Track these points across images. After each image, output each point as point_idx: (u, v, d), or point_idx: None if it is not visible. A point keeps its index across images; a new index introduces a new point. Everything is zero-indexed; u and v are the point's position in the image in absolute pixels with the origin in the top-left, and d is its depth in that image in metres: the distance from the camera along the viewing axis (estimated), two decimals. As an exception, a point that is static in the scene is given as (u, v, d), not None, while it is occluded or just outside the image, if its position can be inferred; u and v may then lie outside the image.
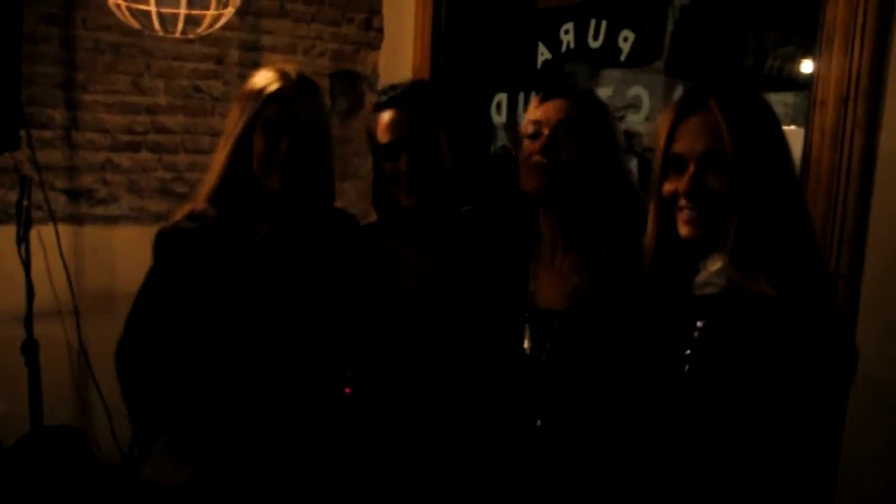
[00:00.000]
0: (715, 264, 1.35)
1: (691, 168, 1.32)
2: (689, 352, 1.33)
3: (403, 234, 1.77)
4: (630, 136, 3.14)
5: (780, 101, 2.69)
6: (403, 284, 1.73)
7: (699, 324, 1.33)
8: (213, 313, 1.69)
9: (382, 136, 1.70)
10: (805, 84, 2.17)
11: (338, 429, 1.77)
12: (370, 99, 3.57)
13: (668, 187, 1.36)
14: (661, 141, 1.36)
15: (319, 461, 1.76)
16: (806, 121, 1.99)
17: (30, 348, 2.53)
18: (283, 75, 1.69)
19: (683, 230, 1.34)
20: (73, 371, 3.14)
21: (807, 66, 2.29)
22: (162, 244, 1.71)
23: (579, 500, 1.51)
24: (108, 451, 3.19)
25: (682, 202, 1.33)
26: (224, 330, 1.70)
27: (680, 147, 1.33)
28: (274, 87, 1.66)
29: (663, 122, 1.37)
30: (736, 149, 1.28)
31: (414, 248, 1.76)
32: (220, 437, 1.71)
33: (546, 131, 1.55)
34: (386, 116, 1.70)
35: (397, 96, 1.70)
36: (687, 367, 1.33)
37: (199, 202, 1.71)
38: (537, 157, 1.54)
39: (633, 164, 2.59)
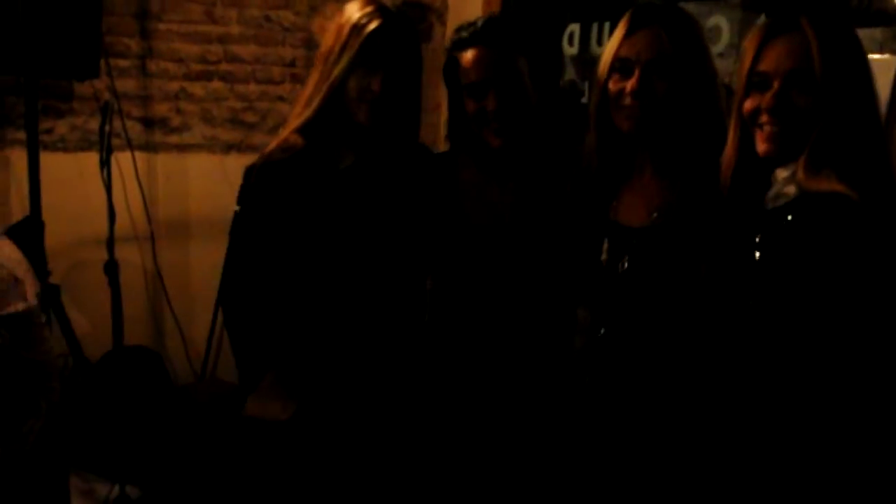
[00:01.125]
0: (783, 173, 1.38)
1: (776, 85, 1.35)
2: (757, 259, 1.36)
3: (485, 169, 1.77)
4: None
5: (867, 37, 2.58)
6: (483, 218, 1.74)
7: (766, 233, 1.37)
8: (304, 241, 1.72)
9: (467, 75, 1.69)
10: (893, 19, 2.08)
11: (422, 347, 1.81)
12: (439, 30, 3.54)
13: (749, 104, 1.38)
14: (748, 60, 1.38)
15: (407, 388, 1.80)
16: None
17: (112, 269, 2.62)
18: (382, 11, 1.69)
19: (762, 147, 1.38)
20: (148, 294, 3.25)
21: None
22: (253, 179, 1.73)
23: (635, 410, 1.54)
24: (181, 370, 3.33)
25: (764, 118, 1.36)
26: (315, 257, 1.73)
27: (766, 65, 1.36)
28: (373, 25, 1.65)
29: (750, 41, 1.39)
30: (825, 68, 1.31)
31: (494, 183, 1.76)
32: (323, 367, 1.75)
33: (637, 70, 1.51)
34: (469, 55, 1.68)
35: (479, 33, 1.68)
36: (756, 276, 1.36)
37: (288, 134, 1.72)
38: (629, 101, 1.52)
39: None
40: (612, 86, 1.55)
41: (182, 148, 3.28)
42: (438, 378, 1.78)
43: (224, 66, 3.32)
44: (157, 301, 3.27)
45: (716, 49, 2.61)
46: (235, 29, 3.30)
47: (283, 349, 1.74)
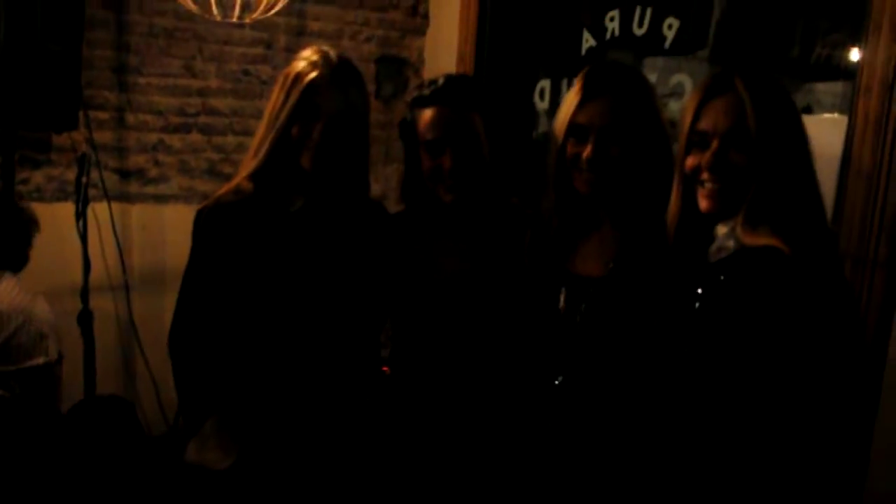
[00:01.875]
0: (723, 229, 1.44)
1: (715, 144, 1.41)
2: (697, 311, 1.42)
3: (437, 228, 1.81)
4: (672, 124, 3.13)
5: (827, 91, 2.67)
6: (435, 273, 1.78)
7: (705, 286, 1.42)
8: (251, 284, 1.74)
9: (426, 133, 1.74)
10: (853, 73, 2.16)
11: (376, 406, 1.82)
12: (415, 84, 3.62)
13: (690, 162, 1.45)
14: (688, 119, 1.45)
15: (358, 438, 1.81)
16: (850, 108, 1.98)
17: (85, 319, 2.63)
18: (324, 61, 1.73)
19: (704, 204, 1.44)
20: (122, 343, 3.25)
21: (855, 55, 2.28)
22: (203, 219, 1.77)
23: (591, 457, 1.57)
24: (154, 421, 3.31)
25: (705, 176, 1.42)
26: (261, 300, 1.75)
27: (705, 124, 1.42)
28: (313, 74, 1.71)
29: (690, 101, 1.47)
30: (759, 126, 1.37)
31: (447, 240, 1.80)
32: (265, 416, 1.75)
33: (592, 137, 1.58)
34: (428, 113, 1.74)
35: (439, 91, 1.74)
36: (695, 327, 1.42)
37: (239, 180, 1.77)
38: (585, 166, 1.59)
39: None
40: (569, 149, 1.61)
41: (159, 199, 3.31)
42: (391, 427, 1.79)
43: (202, 119, 3.37)
44: (131, 351, 3.26)
45: (679, 105, 2.70)
46: (214, 82, 3.36)
47: (225, 394, 1.75)
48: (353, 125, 1.77)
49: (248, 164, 1.77)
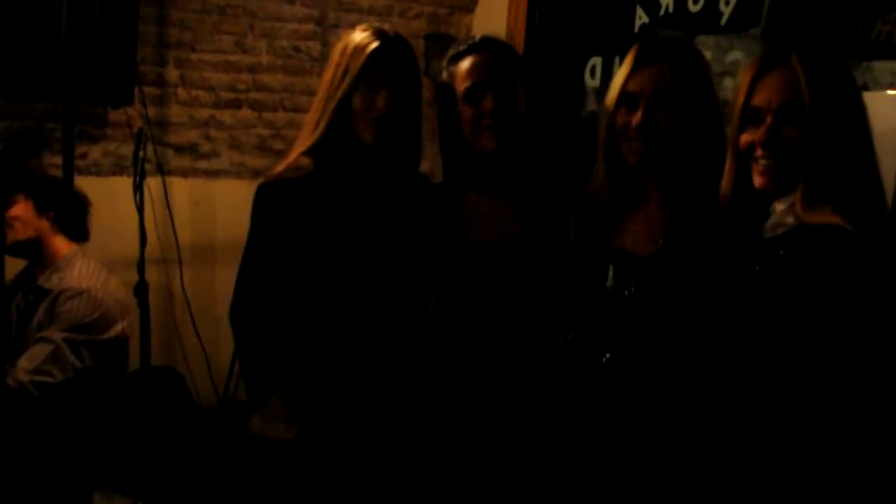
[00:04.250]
0: (781, 206, 1.42)
1: (769, 119, 1.39)
2: (755, 287, 1.40)
3: (478, 186, 1.81)
4: (725, 103, 3.08)
5: (886, 70, 2.60)
6: (481, 236, 1.78)
7: (764, 262, 1.40)
8: (313, 260, 1.76)
9: (464, 81, 1.74)
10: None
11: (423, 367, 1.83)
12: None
13: (744, 139, 1.43)
14: (741, 95, 1.43)
15: (411, 408, 1.83)
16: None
17: (142, 291, 2.68)
18: (381, 33, 1.75)
19: (758, 180, 1.42)
20: (174, 316, 3.32)
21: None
22: (264, 196, 1.79)
23: (638, 434, 1.56)
24: (204, 393, 3.38)
25: (759, 152, 1.40)
26: (323, 277, 1.77)
27: (759, 100, 1.40)
28: (375, 44, 1.72)
29: (744, 76, 1.44)
30: (813, 102, 1.35)
31: (489, 200, 1.81)
32: (329, 387, 1.77)
33: (642, 105, 1.56)
34: (467, 62, 1.75)
35: (475, 43, 1.77)
36: (753, 304, 1.41)
37: (297, 156, 1.78)
38: (634, 134, 1.57)
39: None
40: (619, 119, 1.60)
41: (210, 174, 3.36)
42: (442, 397, 1.81)
43: (253, 95, 3.41)
44: (183, 323, 3.33)
45: (735, 82, 2.65)
46: (265, 59, 3.40)
47: (290, 368, 1.77)
48: (413, 98, 1.78)
49: (306, 138, 1.78)
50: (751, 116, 1.42)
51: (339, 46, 1.77)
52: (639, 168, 1.61)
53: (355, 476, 1.78)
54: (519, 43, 3.24)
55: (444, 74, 1.81)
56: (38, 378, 2.32)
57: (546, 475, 1.69)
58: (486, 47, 1.76)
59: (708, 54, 2.80)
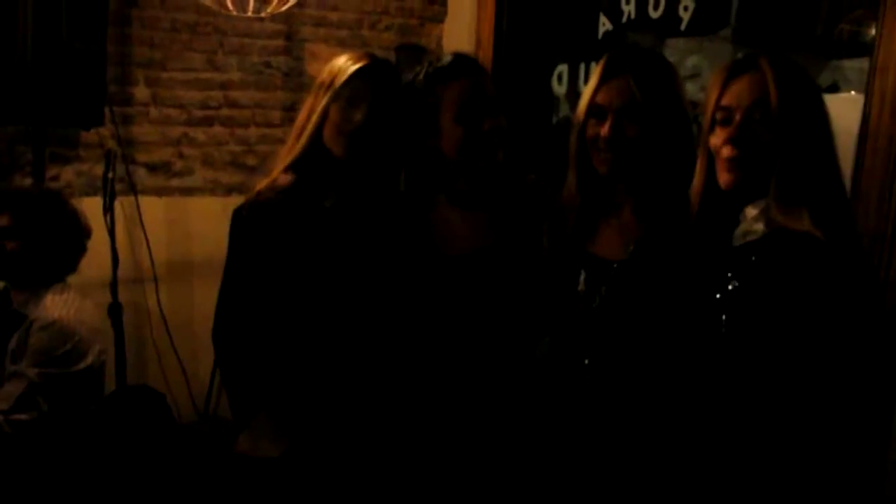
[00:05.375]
0: (752, 211, 1.45)
1: (738, 117, 1.43)
2: (728, 294, 1.44)
3: (451, 198, 1.84)
4: (693, 104, 3.11)
5: (854, 68, 2.65)
6: (455, 247, 1.80)
7: (735, 272, 1.44)
8: (292, 280, 1.79)
9: (458, 104, 1.75)
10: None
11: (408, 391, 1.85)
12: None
13: (714, 140, 1.47)
14: (713, 96, 1.47)
15: (394, 422, 1.84)
16: (866, 87, 1.97)
17: (115, 312, 2.69)
18: (368, 55, 1.83)
19: (724, 177, 1.45)
20: (152, 335, 3.32)
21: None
22: (243, 218, 1.82)
23: (623, 436, 1.59)
24: (185, 410, 3.38)
25: (726, 150, 1.44)
26: (304, 296, 1.80)
27: (728, 100, 1.45)
28: (361, 63, 1.79)
29: (715, 78, 1.49)
30: (781, 101, 1.39)
31: (462, 211, 1.83)
32: (314, 404, 1.80)
33: (610, 117, 1.59)
34: (457, 86, 1.76)
35: (462, 63, 1.79)
36: (727, 311, 1.44)
37: (278, 173, 1.82)
38: (603, 146, 1.61)
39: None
40: (588, 130, 1.63)
41: (184, 191, 3.37)
42: (426, 408, 1.82)
43: (225, 112, 3.42)
44: (161, 341, 3.32)
45: (695, 87, 2.69)
46: (236, 75, 3.40)
47: (274, 387, 1.79)
48: (391, 118, 1.80)
49: (290, 151, 1.82)
50: (721, 118, 1.46)
51: (326, 67, 1.84)
52: (609, 178, 1.64)
53: (343, 491, 1.79)
54: (487, 52, 3.27)
55: (422, 95, 1.80)
56: (13, 417, 2.24)
57: (529, 480, 1.71)
58: (471, 69, 1.81)
59: (673, 58, 2.84)
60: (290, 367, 1.80)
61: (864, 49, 2.49)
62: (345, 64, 1.80)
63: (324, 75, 1.82)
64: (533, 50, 3.22)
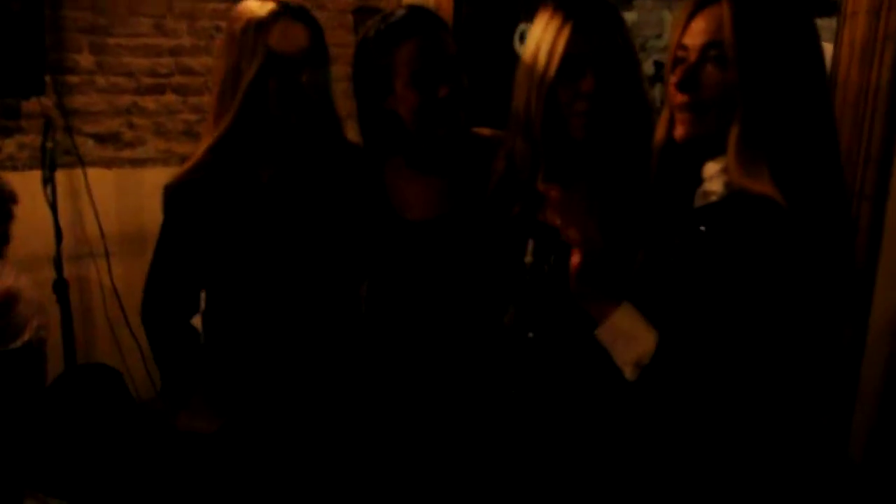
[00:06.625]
0: (713, 167, 1.27)
1: (690, 58, 1.25)
2: (679, 263, 1.28)
3: (409, 162, 1.73)
4: (660, 64, 3.03)
5: (826, 27, 2.58)
6: (413, 213, 1.71)
7: (685, 238, 1.28)
8: (228, 258, 1.68)
9: (410, 65, 1.59)
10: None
11: (355, 353, 1.77)
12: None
13: (672, 80, 1.28)
14: (675, 34, 1.29)
15: (340, 391, 1.77)
16: (836, 34, 1.89)
17: (61, 288, 2.58)
18: (281, 4, 1.62)
19: (677, 129, 1.28)
20: (106, 311, 3.21)
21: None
22: (169, 198, 1.68)
23: (567, 410, 1.49)
24: (142, 388, 3.28)
25: (678, 96, 1.26)
26: (241, 274, 1.69)
27: (686, 39, 1.26)
28: (281, 21, 1.58)
29: (679, 14, 1.30)
30: (738, 38, 1.19)
31: (421, 176, 1.73)
32: (252, 381, 1.72)
33: (590, 69, 1.40)
34: (410, 46, 1.59)
35: (415, 23, 1.62)
36: (678, 280, 1.28)
37: (202, 152, 1.64)
38: (584, 108, 1.42)
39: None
40: (562, 89, 1.42)
41: (136, 163, 3.24)
42: (374, 380, 1.75)
43: (176, 79, 3.29)
44: (115, 318, 3.22)
45: (661, 43, 2.61)
46: (187, 41, 3.27)
47: (206, 367, 1.71)
48: (323, 68, 1.66)
49: (211, 132, 1.63)
50: (681, 57, 1.27)
51: (232, 24, 1.62)
52: (585, 143, 1.46)
53: (285, 464, 1.73)
54: (447, 13, 3.16)
55: (374, 55, 1.64)
56: None
57: (480, 468, 1.64)
58: (426, 26, 1.61)
59: (635, 14, 2.76)
60: (223, 346, 1.72)
61: (833, 8, 2.43)
62: (262, 21, 1.58)
63: (236, 26, 1.60)
64: (494, 9, 3.11)
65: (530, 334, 1.51)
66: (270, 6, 1.62)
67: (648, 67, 3.23)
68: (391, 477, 1.74)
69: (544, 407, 1.51)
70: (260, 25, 1.58)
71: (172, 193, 1.67)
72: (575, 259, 1.32)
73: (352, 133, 1.78)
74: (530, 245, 1.51)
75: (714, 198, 1.26)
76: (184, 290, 1.72)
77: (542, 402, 1.51)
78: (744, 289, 1.18)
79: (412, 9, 1.66)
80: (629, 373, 1.27)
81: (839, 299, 1.20)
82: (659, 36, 2.96)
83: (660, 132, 1.36)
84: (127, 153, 3.23)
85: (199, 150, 1.65)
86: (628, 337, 1.27)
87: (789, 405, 1.26)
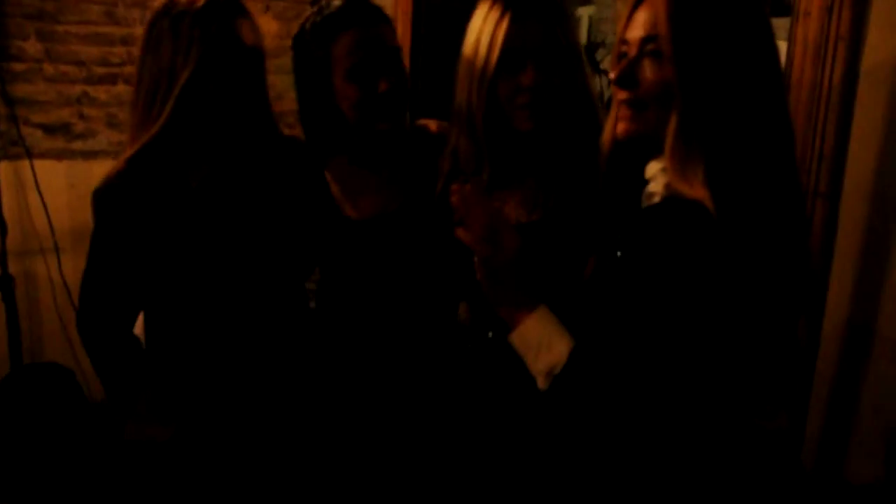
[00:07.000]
0: (654, 167, 1.23)
1: (630, 53, 1.19)
2: (610, 271, 1.25)
3: (353, 159, 1.69)
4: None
5: (780, 27, 2.59)
6: (357, 210, 1.67)
7: (623, 240, 1.24)
8: (166, 267, 1.61)
9: (347, 59, 1.55)
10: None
11: (307, 353, 1.74)
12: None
13: (613, 76, 1.24)
14: (619, 28, 1.24)
15: (292, 390, 1.73)
16: (789, 34, 1.90)
17: (5, 284, 2.50)
18: None
19: (618, 127, 1.23)
20: (57, 309, 3.12)
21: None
22: (100, 204, 1.58)
23: (526, 411, 1.47)
24: (95, 387, 3.20)
25: (618, 94, 1.22)
26: (181, 281, 1.62)
27: (627, 33, 1.21)
28: (210, 7, 1.49)
29: (625, 7, 1.25)
30: (674, 32, 1.12)
31: (367, 172, 1.69)
32: (199, 386, 1.67)
33: (530, 62, 1.40)
34: (348, 38, 1.56)
35: (350, 14, 1.57)
36: (609, 290, 1.24)
37: (131, 154, 1.55)
38: (526, 101, 1.42)
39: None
40: (503, 82, 1.41)
41: (87, 155, 3.15)
42: (328, 378, 1.72)
43: (129, 69, 3.19)
44: (67, 315, 3.13)
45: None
46: (139, 30, 3.13)
47: (153, 373, 1.66)
48: (255, 58, 1.58)
49: (142, 129, 1.53)
50: (622, 52, 1.22)
51: (165, 15, 1.51)
52: (530, 135, 1.45)
53: (240, 470, 1.69)
54: (406, 4, 3.12)
55: (310, 45, 1.60)
56: None
57: (435, 468, 1.62)
58: (364, 17, 1.57)
59: (592, 8, 2.74)
60: (168, 352, 1.66)
61: (787, 9, 2.44)
62: (188, 8, 1.48)
63: (165, 19, 1.49)
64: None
65: (490, 334, 1.49)
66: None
67: (609, 64, 3.21)
68: (347, 477, 1.71)
69: (504, 407, 1.49)
70: (198, 17, 1.48)
71: (102, 199, 1.57)
72: (476, 259, 1.27)
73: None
74: None
75: (657, 199, 1.21)
76: (120, 299, 1.63)
77: (501, 402, 1.50)
78: (661, 301, 1.12)
79: (350, 2, 1.60)
80: (541, 382, 1.22)
81: (783, 305, 1.14)
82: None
83: (607, 130, 1.31)
84: (78, 145, 3.13)
85: (126, 152, 1.56)
86: (540, 345, 1.22)
87: (716, 417, 1.20)
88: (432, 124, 1.73)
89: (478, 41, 1.44)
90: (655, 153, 1.23)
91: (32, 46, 2.98)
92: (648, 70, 1.17)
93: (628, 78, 1.18)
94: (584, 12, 2.89)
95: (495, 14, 1.42)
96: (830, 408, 1.90)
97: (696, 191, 1.11)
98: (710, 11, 1.13)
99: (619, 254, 1.23)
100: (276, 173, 1.67)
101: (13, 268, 2.69)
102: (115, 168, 1.57)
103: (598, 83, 3.60)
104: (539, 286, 1.32)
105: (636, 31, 1.18)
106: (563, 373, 1.18)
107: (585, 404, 1.19)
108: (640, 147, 1.25)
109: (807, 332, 1.88)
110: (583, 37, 3.13)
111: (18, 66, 2.96)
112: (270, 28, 3.36)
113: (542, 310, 1.24)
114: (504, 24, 1.40)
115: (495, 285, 1.27)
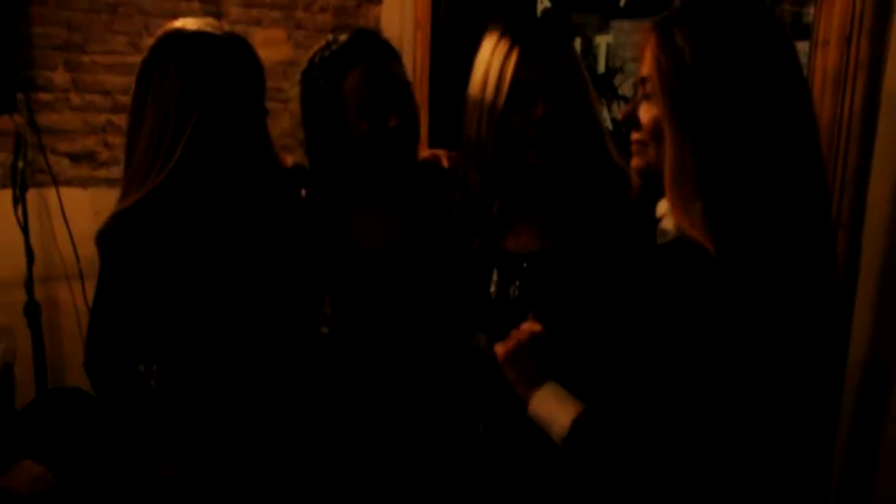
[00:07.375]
0: (664, 206, 1.22)
1: (640, 90, 1.20)
2: (625, 306, 1.27)
3: (363, 196, 1.69)
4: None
5: (801, 52, 2.59)
6: (368, 242, 1.68)
7: (635, 275, 1.26)
8: (175, 304, 1.63)
9: (358, 93, 1.56)
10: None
11: (318, 382, 1.75)
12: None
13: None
14: (641, 65, 1.25)
15: (304, 418, 1.74)
16: (807, 63, 1.90)
17: (32, 311, 2.54)
18: (210, 26, 1.57)
19: (632, 161, 1.25)
20: (81, 334, 3.15)
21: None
22: (107, 245, 1.61)
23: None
24: (118, 411, 3.23)
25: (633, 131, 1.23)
26: (190, 317, 1.65)
27: (643, 69, 1.21)
28: (224, 48, 1.53)
29: (643, 45, 1.23)
30: (660, 76, 1.12)
31: (376, 208, 1.70)
32: (205, 427, 1.68)
33: (540, 96, 1.41)
34: (357, 74, 1.57)
35: (361, 47, 1.59)
36: (623, 320, 1.26)
37: (142, 194, 1.58)
38: (537, 134, 1.44)
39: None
40: (513, 116, 1.43)
41: (111, 182, 3.19)
42: (340, 404, 1.72)
43: (153, 98, 3.25)
44: (90, 340, 3.16)
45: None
46: (163, 59, 3.23)
47: (156, 415, 1.67)
48: (258, 90, 1.61)
49: (145, 174, 1.55)
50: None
51: (161, 56, 1.56)
52: (539, 169, 1.46)
53: (255, 496, 1.69)
54: (426, 33, 3.16)
55: (319, 82, 1.62)
56: None
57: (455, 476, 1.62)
58: (372, 53, 1.58)
59: (618, 36, 2.77)
60: (177, 389, 1.68)
61: (808, 31, 2.44)
62: (191, 45, 1.52)
63: (173, 57, 1.52)
64: (472, 29, 3.10)
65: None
66: (201, 25, 1.56)
67: (628, 89, 3.25)
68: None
69: (517, 439, 1.49)
70: (205, 55, 1.51)
71: (109, 240, 1.59)
72: (499, 350, 1.34)
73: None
74: (495, 276, 1.50)
75: (670, 237, 1.21)
76: (128, 339, 1.64)
77: (515, 433, 1.49)
78: (664, 356, 1.11)
79: (357, 34, 1.61)
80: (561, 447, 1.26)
81: (797, 350, 1.12)
82: (637, 58, 2.97)
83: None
84: (102, 173, 3.18)
85: (131, 193, 1.57)
86: (551, 420, 1.27)
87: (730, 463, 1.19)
88: (443, 155, 1.75)
89: (486, 75, 1.46)
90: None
91: (60, 76, 3.04)
92: (643, 110, 1.19)
93: (628, 118, 1.22)
94: (602, 40, 2.93)
95: (503, 47, 1.44)
96: (848, 444, 1.87)
97: (695, 230, 1.10)
98: (706, 48, 1.11)
99: (628, 294, 1.26)
100: (281, 207, 1.69)
101: (38, 295, 2.72)
102: (120, 208, 1.58)
103: (616, 108, 3.63)
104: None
105: (642, 69, 1.20)
106: (568, 442, 1.23)
107: (597, 465, 1.23)
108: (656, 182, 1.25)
109: (830, 365, 1.86)
110: (601, 63, 3.17)
111: (46, 97, 3.01)
112: (285, 55, 3.41)
113: (548, 386, 1.29)
114: (513, 58, 1.42)
115: (513, 369, 1.35)
